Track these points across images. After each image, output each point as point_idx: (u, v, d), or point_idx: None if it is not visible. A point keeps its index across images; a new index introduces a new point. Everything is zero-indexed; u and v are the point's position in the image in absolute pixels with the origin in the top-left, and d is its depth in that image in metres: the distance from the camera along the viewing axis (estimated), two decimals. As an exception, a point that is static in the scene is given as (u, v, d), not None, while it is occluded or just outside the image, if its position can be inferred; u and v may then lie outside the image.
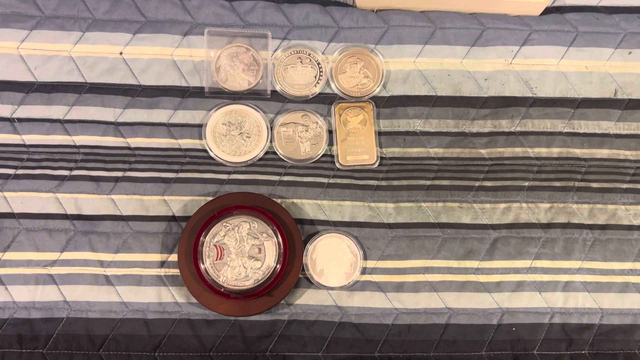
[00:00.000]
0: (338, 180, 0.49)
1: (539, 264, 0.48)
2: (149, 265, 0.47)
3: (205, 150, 0.49)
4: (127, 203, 0.47)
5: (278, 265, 0.45)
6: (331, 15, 0.51)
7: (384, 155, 0.50)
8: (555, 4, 0.53)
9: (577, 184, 0.49)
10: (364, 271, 0.47)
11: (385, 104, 0.50)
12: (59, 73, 0.49)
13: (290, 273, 0.45)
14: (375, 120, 0.50)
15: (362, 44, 0.51)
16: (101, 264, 0.47)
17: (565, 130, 0.50)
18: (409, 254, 0.47)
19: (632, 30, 0.52)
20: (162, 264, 0.47)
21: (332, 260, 0.47)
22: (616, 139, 0.50)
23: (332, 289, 0.47)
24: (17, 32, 0.50)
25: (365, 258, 0.47)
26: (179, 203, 0.48)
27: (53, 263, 0.46)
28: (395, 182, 0.49)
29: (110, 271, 0.46)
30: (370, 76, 0.50)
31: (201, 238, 0.44)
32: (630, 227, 0.48)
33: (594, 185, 0.49)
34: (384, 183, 0.49)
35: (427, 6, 0.52)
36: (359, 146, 0.49)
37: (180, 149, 0.49)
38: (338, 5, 0.52)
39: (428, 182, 0.49)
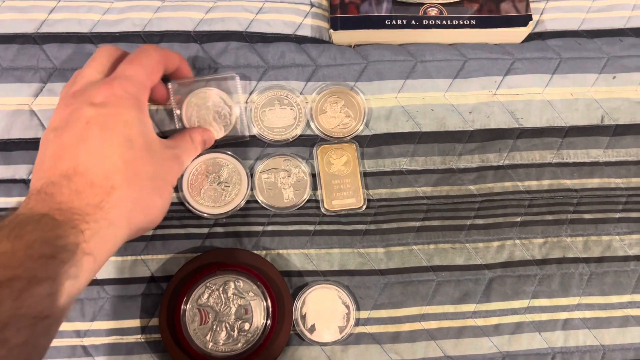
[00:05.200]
0: (325, 227, 0.47)
1: (537, 302, 0.46)
2: (128, 332, 0.44)
3: (183, 204, 0.46)
4: (101, 266, 0.44)
5: (268, 323, 0.42)
6: (307, 53, 0.49)
7: (371, 197, 0.48)
8: (536, 30, 0.52)
9: (569, 216, 0.48)
10: (357, 322, 0.45)
11: (369, 143, 0.48)
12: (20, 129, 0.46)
13: (281, 332, 0.43)
14: (359, 161, 0.48)
15: (342, 82, 0.49)
16: (77, 334, 0.43)
17: (555, 160, 0.49)
18: (404, 301, 0.45)
19: (615, 54, 0.51)
20: (143, 330, 0.44)
21: (324, 314, 0.44)
22: (606, 167, 0.49)
23: (325, 344, 0.44)
24: (-28, 87, 0.46)
25: (358, 308, 0.45)
26: (157, 262, 0.45)
27: (24, 336, 0.43)
28: (385, 225, 0.47)
29: (87, 341, 0.43)
30: (351, 115, 0.48)
31: (182, 305, 0.41)
32: (626, 258, 0.47)
33: (587, 216, 0.48)
34: (372, 227, 0.47)
35: (406, 39, 0.50)
36: (344, 189, 0.47)
37: (155, 204, 0.46)
38: (314, 42, 0.50)
39: (418, 224, 0.47)
